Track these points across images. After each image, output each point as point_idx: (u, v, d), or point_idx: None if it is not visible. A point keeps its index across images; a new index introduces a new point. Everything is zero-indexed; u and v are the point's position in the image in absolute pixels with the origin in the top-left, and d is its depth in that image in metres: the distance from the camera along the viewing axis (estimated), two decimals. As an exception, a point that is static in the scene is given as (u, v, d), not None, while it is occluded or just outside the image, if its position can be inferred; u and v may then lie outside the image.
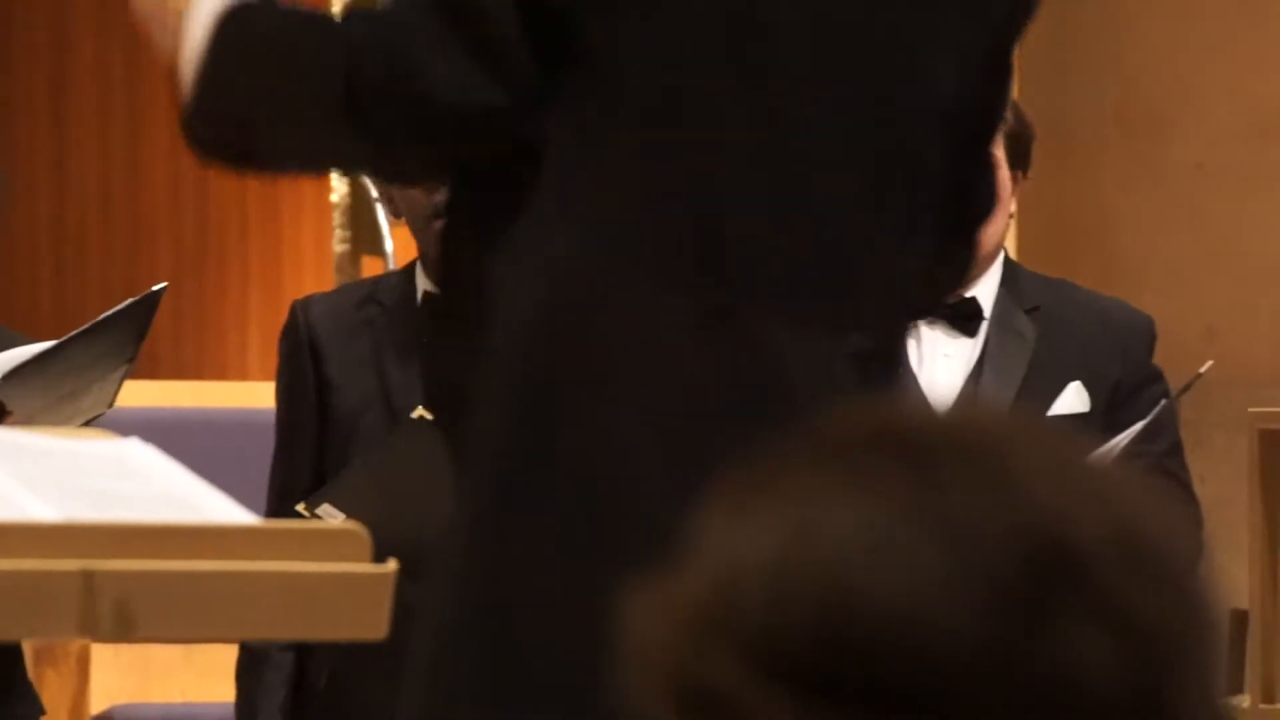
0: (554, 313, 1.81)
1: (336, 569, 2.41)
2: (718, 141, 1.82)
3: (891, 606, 0.64)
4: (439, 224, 2.71)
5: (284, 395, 2.92)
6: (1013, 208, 2.98)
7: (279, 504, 2.78)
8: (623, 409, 1.79)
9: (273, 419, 2.94)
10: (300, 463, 2.84)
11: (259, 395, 4.24)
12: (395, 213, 3.12)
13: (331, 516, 2.66)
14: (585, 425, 1.81)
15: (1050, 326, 3.02)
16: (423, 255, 2.91)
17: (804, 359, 1.80)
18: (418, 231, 2.88)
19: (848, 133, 1.84)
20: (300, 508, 2.68)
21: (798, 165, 1.82)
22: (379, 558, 2.43)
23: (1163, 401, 2.93)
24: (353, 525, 2.40)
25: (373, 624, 2.31)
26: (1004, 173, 2.80)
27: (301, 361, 2.87)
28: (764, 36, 1.82)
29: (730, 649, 0.66)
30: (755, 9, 1.83)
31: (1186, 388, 3.02)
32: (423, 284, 2.85)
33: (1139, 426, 2.80)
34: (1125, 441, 2.76)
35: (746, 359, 1.80)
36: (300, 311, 2.90)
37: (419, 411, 2.69)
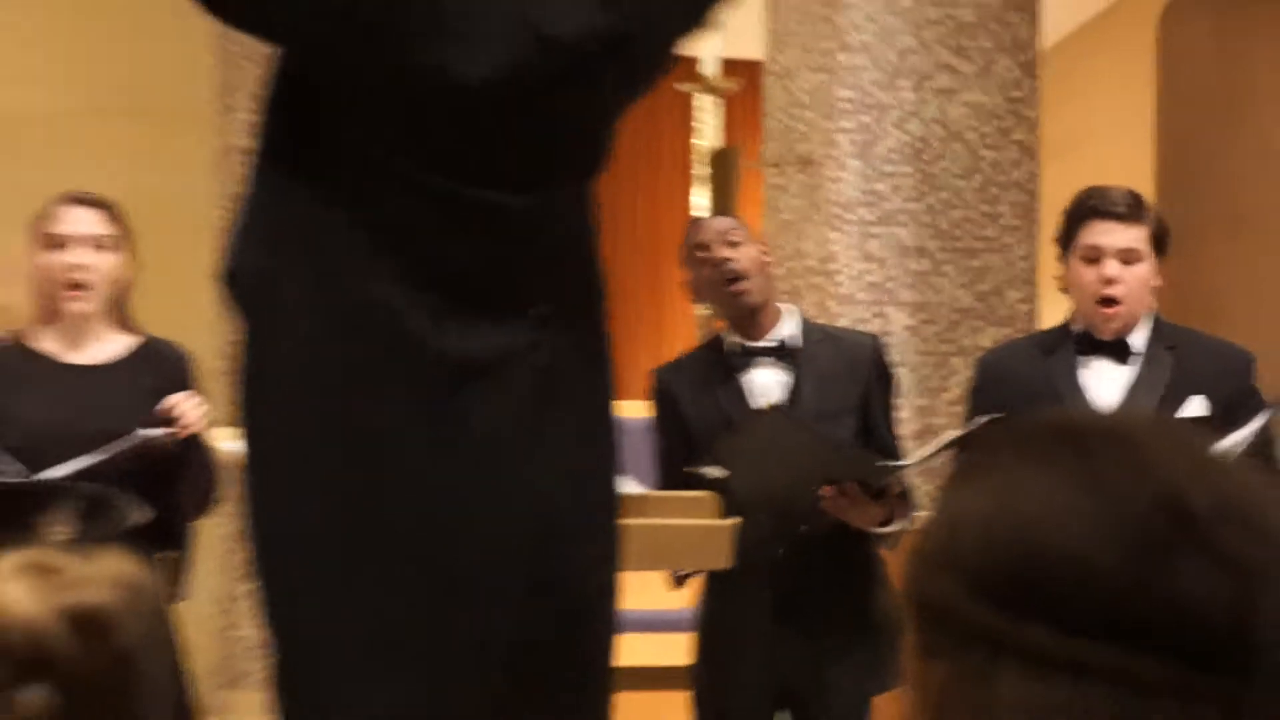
0: None
1: (693, 523, 2.95)
2: None
3: (1063, 550, 0.75)
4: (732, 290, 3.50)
5: (660, 426, 3.60)
6: (1158, 281, 3.33)
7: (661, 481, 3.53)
8: None
9: (631, 429, 3.31)
10: (675, 462, 3.52)
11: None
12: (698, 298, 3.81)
13: (712, 473, 3.23)
14: None
15: (1181, 359, 3.30)
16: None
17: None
18: (717, 305, 3.66)
19: None
20: (691, 470, 3.29)
21: None
22: (742, 509, 2.96)
23: (1264, 410, 3.11)
24: (703, 493, 2.92)
25: (717, 559, 2.97)
26: (1152, 261, 3.27)
27: (667, 407, 3.60)
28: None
29: (950, 577, 0.79)
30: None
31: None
32: (729, 340, 3.57)
33: (1249, 428, 3.00)
34: (1239, 436, 2.93)
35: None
36: (659, 377, 3.67)
37: (766, 404, 3.44)
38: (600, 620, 2.10)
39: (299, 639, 2.04)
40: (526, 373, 2.01)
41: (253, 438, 2.05)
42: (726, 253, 3.53)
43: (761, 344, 3.56)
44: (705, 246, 3.56)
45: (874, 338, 3.86)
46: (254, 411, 2.04)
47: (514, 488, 2.00)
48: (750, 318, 3.57)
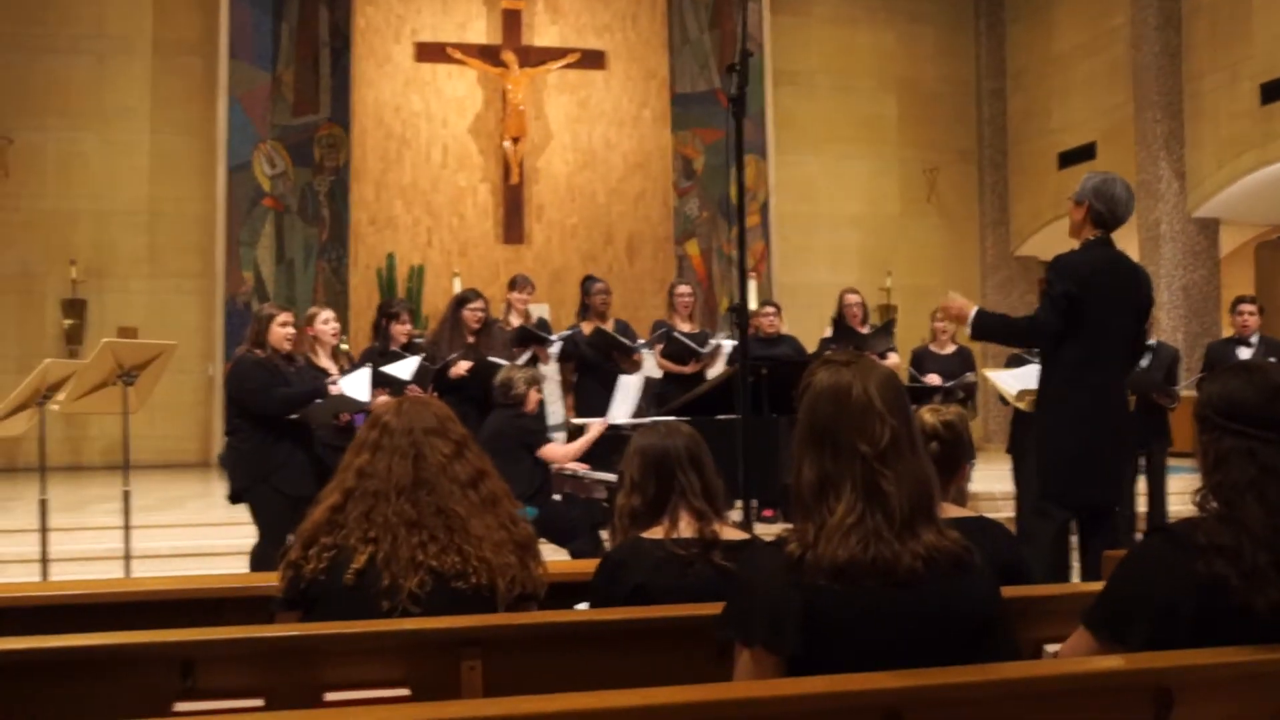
0: None
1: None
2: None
3: (1244, 398, 2.47)
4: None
5: None
6: (1260, 323, 8.95)
7: None
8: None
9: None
10: None
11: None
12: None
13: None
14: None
15: (1268, 345, 8.75)
16: None
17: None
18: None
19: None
20: None
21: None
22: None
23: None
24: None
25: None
26: (1259, 317, 8.89)
27: None
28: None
29: (1208, 407, 2.53)
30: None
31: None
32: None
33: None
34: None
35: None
36: None
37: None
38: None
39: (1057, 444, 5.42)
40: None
41: (1048, 413, 5.33)
42: None
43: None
44: None
45: (1177, 350, 9.22)
46: (1050, 407, 5.34)
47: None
48: None
